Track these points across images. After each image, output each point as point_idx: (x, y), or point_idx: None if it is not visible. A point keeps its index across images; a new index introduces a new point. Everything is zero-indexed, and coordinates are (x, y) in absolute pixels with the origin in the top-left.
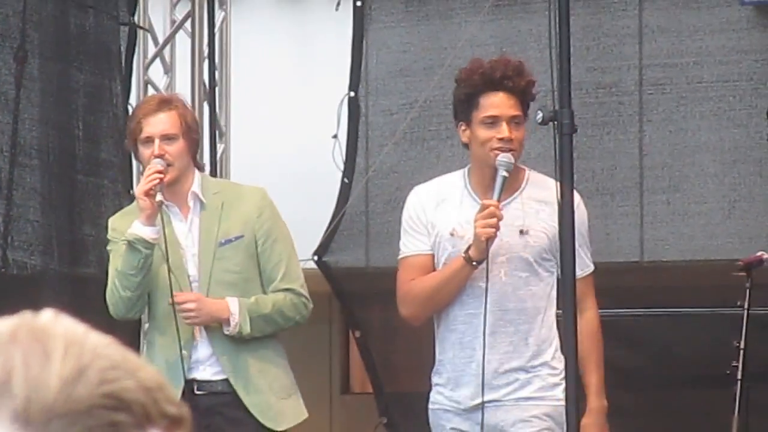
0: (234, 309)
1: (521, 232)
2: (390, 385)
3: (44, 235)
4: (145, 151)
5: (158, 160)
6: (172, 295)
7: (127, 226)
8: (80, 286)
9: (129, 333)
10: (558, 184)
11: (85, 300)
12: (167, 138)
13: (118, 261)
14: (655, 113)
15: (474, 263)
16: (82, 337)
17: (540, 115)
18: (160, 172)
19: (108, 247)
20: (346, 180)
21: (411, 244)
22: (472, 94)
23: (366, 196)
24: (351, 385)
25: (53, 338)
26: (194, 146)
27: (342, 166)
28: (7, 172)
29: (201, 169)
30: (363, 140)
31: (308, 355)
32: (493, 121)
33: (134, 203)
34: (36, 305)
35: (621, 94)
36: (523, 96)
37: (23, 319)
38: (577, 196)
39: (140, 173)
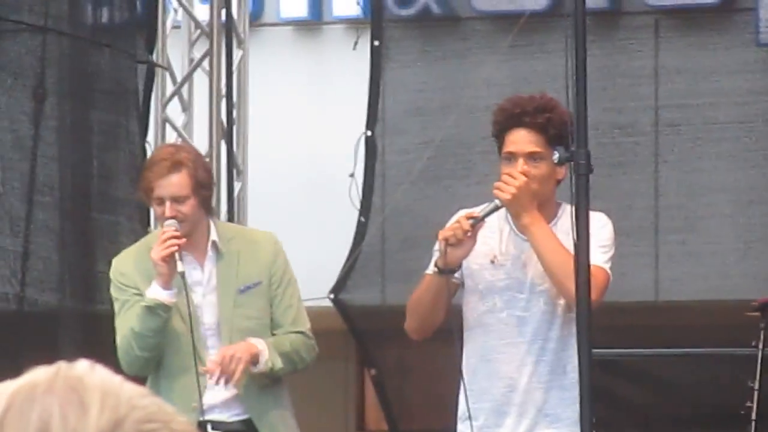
0: (261, 346)
1: None
2: (405, 422)
3: (57, 273)
4: (157, 209)
5: (172, 221)
6: (196, 364)
7: (133, 270)
8: (95, 323)
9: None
10: (574, 217)
11: (100, 337)
12: (178, 199)
13: (132, 319)
14: (671, 153)
15: (442, 272)
16: (117, 388)
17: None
18: (176, 237)
19: (113, 293)
20: (362, 219)
21: (432, 263)
22: (499, 131)
23: (382, 235)
24: (366, 423)
25: (89, 389)
26: (207, 201)
27: (358, 205)
28: (24, 210)
29: (214, 214)
30: (379, 179)
31: (324, 392)
32: (510, 158)
33: (138, 243)
34: (50, 342)
35: (637, 135)
36: (545, 132)
37: (59, 368)
38: (605, 218)
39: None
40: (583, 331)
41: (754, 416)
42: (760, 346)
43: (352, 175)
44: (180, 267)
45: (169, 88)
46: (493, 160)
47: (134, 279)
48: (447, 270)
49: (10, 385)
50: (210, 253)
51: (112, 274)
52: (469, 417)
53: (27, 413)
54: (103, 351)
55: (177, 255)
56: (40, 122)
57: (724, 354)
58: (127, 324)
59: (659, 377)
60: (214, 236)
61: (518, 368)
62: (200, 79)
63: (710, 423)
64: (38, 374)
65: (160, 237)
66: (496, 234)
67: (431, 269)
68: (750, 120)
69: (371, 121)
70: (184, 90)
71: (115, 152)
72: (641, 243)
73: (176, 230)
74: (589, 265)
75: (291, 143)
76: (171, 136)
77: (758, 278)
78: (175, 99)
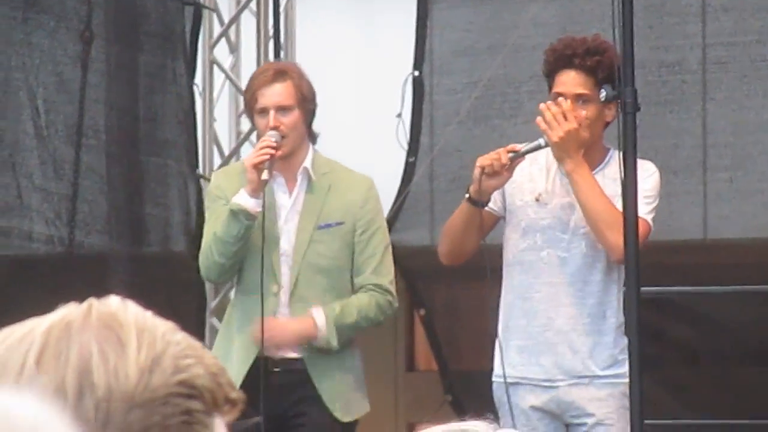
0: (320, 323)
1: None
2: (455, 362)
3: (104, 215)
4: (260, 122)
5: (273, 132)
6: (262, 283)
7: (231, 185)
8: (143, 265)
9: (193, 310)
10: (622, 156)
11: (148, 280)
12: (282, 109)
13: (217, 225)
14: (718, 92)
15: (472, 201)
16: (151, 324)
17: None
18: (272, 147)
19: (207, 203)
20: (410, 159)
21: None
22: (550, 71)
23: (430, 175)
24: (416, 363)
25: (125, 326)
26: (310, 116)
27: (406, 145)
28: (68, 153)
29: (315, 140)
30: (427, 119)
31: (373, 333)
32: (558, 98)
33: (238, 162)
34: (98, 285)
35: (684, 73)
36: (594, 74)
37: (91, 305)
38: (652, 167)
39: (257, 141)
40: (632, 273)
41: None
42: None
43: (399, 116)
44: (265, 175)
45: (217, 29)
46: (540, 99)
47: (227, 192)
48: (479, 200)
49: (42, 322)
50: (300, 180)
51: (209, 187)
52: (501, 354)
53: (65, 352)
54: (151, 293)
55: (268, 165)
56: (87, 65)
57: None
58: (212, 230)
59: (707, 315)
60: (308, 163)
61: (555, 308)
62: (247, 21)
63: (758, 360)
64: (70, 311)
65: (258, 144)
66: (543, 172)
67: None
68: None
69: (418, 61)
70: (232, 32)
71: (162, 95)
72: (689, 181)
73: (275, 141)
74: (636, 203)
75: (338, 84)
76: (218, 78)
77: None
78: (223, 41)
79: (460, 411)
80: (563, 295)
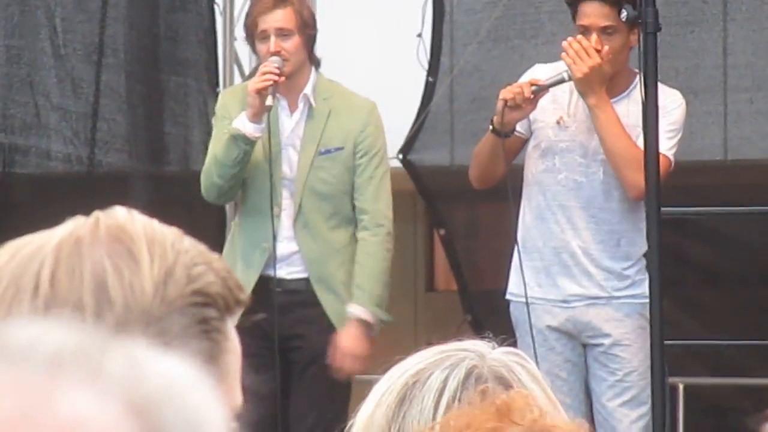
0: (369, 318)
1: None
2: (474, 282)
3: (123, 134)
4: (261, 47)
5: (275, 57)
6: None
7: (236, 105)
8: (162, 184)
9: (213, 229)
10: (643, 75)
11: (168, 198)
12: (283, 34)
13: (218, 146)
14: (739, 12)
15: (496, 132)
16: (160, 234)
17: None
18: (275, 73)
19: (213, 122)
20: (430, 79)
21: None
22: (573, 1)
23: (450, 95)
24: (435, 283)
25: (135, 238)
26: (311, 42)
27: (426, 65)
28: (86, 71)
29: (318, 64)
30: (447, 39)
31: (395, 253)
32: (584, 31)
33: (247, 81)
34: (117, 204)
35: None
36: (618, 3)
37: (98, 218)
38: (679, 98)
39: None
40: (652, 194)
41: None
42: None
43: (419, 35)
44: (269, 101)
45: None
46: (561, 19)
47: (232, 112)
48: (502, 131)
49: (51, 238)
50: (301, 106)
51: (216, 105)
52: (520, 274)
53: (78, 268)
54: (171, 212)
55: (271, 91)
56: None
57: None
58: (213, 150)
59: (727, 236)
60: (308, 89)
61: (570, 231)
62: None
63: None
64: (78, 225)
65: (260, 69)
66: (566, 94)
67: (490, 126)
68: None
69: None
70: None
71: (183, 13)
72: (709, 102)
73: (277, 67)
74: (657, 122)
75: (358, 4)
76: None
77: None
78: None
79: (480, 330)
80: (578, 219)
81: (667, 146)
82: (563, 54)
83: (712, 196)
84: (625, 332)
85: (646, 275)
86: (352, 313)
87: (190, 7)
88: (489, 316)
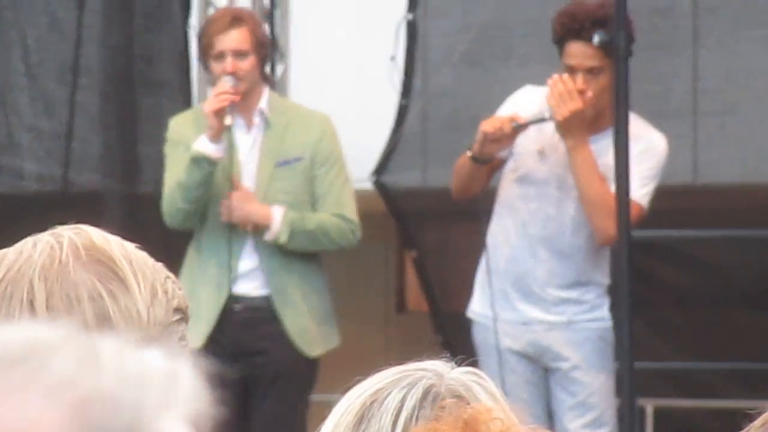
0: (277, 217)
1: None
2: (445, 304)
3: (97, 155)
4: (216, 67)
5: (229, 77)
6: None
7: (189, 130)
8: (136, 204)
9: (186, 249)
10: (615, 101)
11: (142, 218)
12: (239, 54)
13: (179, 172)
14: (709, 37)
15: (476, 160)
16: (134, 254)
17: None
18: (230, 93)
19: (166, 149)
20: (403, 101)
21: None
22: (558, 40)
23: (423, 118)
24: (406, 305)
25: (115, 259)
26: (264, 62)
27: (399, 88)
28: (59, 91)
29: (272, 84)
30: (420, 62)
31: (365, 274)
32: (570, 70)
33: (194, 107)
34: (90, 224)
35: (675, 18)
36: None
37: (68, 238)
38: (662, 143)
39: (212, 87)
40: (622, 216)
41: None
42: None
43: (393, 58)
44: (228, 120)
45: None
46: (533, 43)
47: (187, 136)
48: (480, 159)
49: (29, 264)
50: (257, 120)
51: (167, 132)
52: (485, 295)
53: (74, 293)
54: (144, 232)
55: (229, 110)
56: (84, 4)
57: (760, 236)
58: (174, 177)
59: (697, 258)
60: (263, 104)
61: (533, 260)
62: None
63: (747, 304)
64: (48, 246)
65: (215, 90)
66: (551, 125)
67: (468, 152)
68: None
69: (412, 3)
70: None
71: (157, 34)
72: (680, 126)
73: (232, 87)
74: (627, 147)
75: (332, 26)
76: None
77: None
78: None
79: (451, 352)
80: (543, 250)
81: (641, 192)
82: (548, 92)
83: (682, 219)
84: (584, 356)
85: (607, 299)
86: (275, 208)
87: (164, 28)
88: (460, 337)
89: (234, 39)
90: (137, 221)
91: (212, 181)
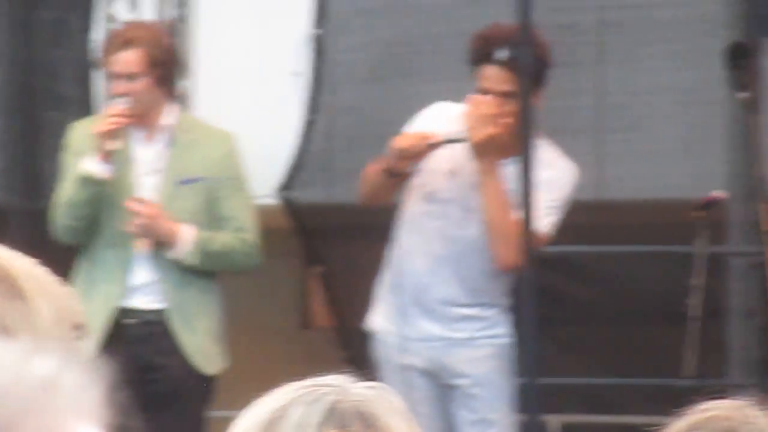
0: (188, 237)
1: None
2: (351, 319)
3: (0, 171)
4: (110, 86)
5: (121, 99)
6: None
7: (86, 140)
8: (41, 220)
9: None
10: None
11: (45, 234)
12: (129, 76)
13: (68, 188)
14: (614, 54)
15: (388, 173)
16: (35, 270)
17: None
18: (120, 115)
19: (63, 156)
20: (308, 117)
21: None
22: (473, 62)
23: (328, 134)
24: (312, 320)
25: (16, 276)
26: (165, 79)
27: (303, 103)
28: None
29: (180, 99)
30: (325, 78)
31: (269, 290)
32: (484, 93)
33: (97, 115)
34: None
35: (580, 35)
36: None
37: None
38: (572, 174)
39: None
40: (524, 231)
41: (698, 314)
42: (703, 244)
43: (298, 74)
44: (119, 144)
45: None
46: (437, 60)
47: (82, 149)
48: (391, 172)
49: None
50: (161, 136)
51: (66, 139)
52: (383, 311)
53: None
54: (48, 248)
55: (119, 134)
56: None
57: (664, 252)
58: (63, 192)
59: (602, 274)
60: (168, 121)
61: (434, 278)
62: None
63: (650, 320)
64: None
65: (106, 111)
66: (463, 145)
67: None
68: (692, 20)
69: (318, 19)
70: None
71: (60, 49)
72: (585, 142)
73: (124, 109)
74: (533, 155)
75: (237, 42)
76: None
77: (699, 178)
78: None
79: (357, 367)
80: (446, 270)
81: (545, 222)
82: (466, 113)
83: (587, 235)
84: (483, 372)
85: (507, 316)
86: (184, 230)
87: (67, 43)
88: (366, 352)
89: (123, 61)
90: (40, 237)
91: (100, 199)
